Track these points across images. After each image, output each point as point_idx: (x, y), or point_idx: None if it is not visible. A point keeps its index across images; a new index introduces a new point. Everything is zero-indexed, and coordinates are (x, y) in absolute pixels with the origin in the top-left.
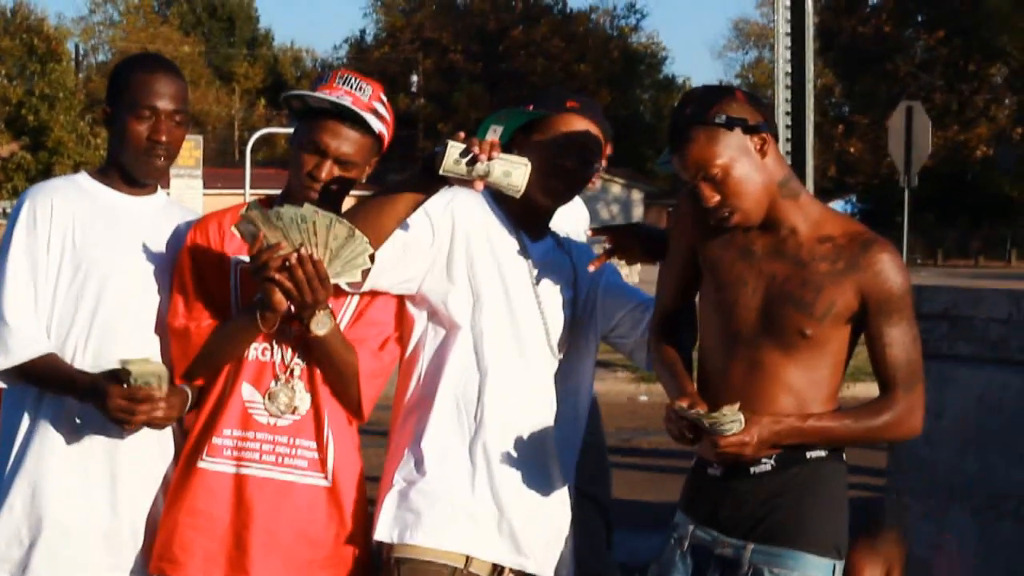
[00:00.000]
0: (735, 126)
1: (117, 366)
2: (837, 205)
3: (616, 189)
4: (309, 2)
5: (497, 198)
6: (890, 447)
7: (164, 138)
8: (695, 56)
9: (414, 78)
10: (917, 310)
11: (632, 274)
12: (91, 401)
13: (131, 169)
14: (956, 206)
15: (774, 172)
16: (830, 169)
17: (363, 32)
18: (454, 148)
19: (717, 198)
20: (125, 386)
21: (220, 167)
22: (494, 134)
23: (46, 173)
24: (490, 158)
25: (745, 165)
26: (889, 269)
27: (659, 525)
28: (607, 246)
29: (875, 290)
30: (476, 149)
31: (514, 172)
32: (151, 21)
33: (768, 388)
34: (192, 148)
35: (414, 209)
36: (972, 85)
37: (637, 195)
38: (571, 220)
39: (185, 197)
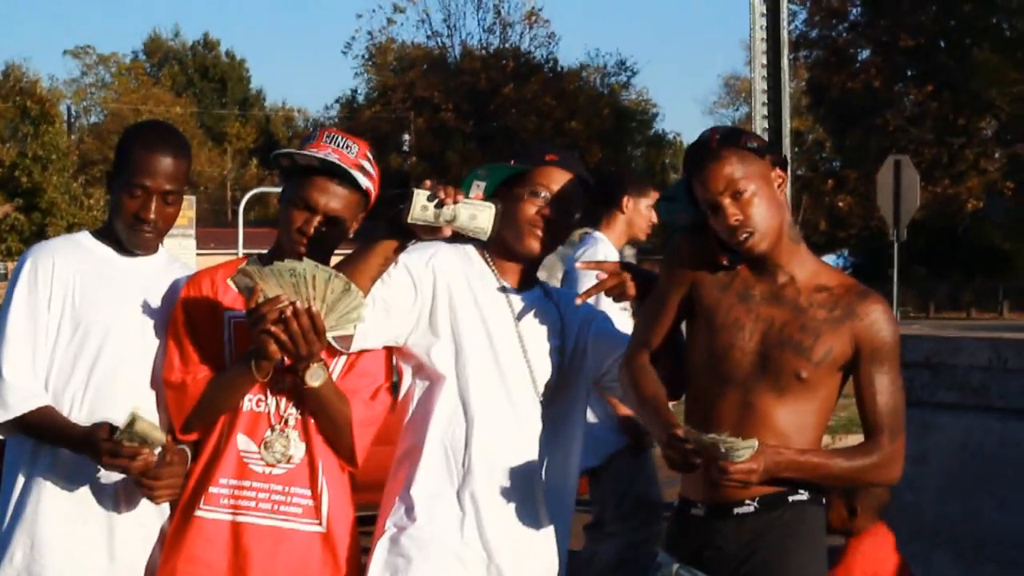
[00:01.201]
0: (764, 154)
1: (126, 412)
2: (829, 259)
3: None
4: (300, 63)
5: (481, 251)
6: None
7: (152, 216)
8: (686, 112)
9: (406, 137)
10: (900, 358)
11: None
12: (84, 452)
13: (122, 238)
14: (947, 259)
15: (786, 212)
16: (820, 224)
17: (355, 91)
18: (420, 195)
19: (740, 217)
20: (115, 435)
21: (213, 227)
22: (477, 189)
23: (39, 234)
24: (455, 202)
25: (767, 194)
26: (883, 320)
27: None
28: (601, 276)
29: (869, 339)
30: (442, 194)
31: (480, 215)
32: (143, 83)
33: (758, 428)
34: (185, 208)
35: (386, 265)
36: (962, 139)
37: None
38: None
39: (178, 257)
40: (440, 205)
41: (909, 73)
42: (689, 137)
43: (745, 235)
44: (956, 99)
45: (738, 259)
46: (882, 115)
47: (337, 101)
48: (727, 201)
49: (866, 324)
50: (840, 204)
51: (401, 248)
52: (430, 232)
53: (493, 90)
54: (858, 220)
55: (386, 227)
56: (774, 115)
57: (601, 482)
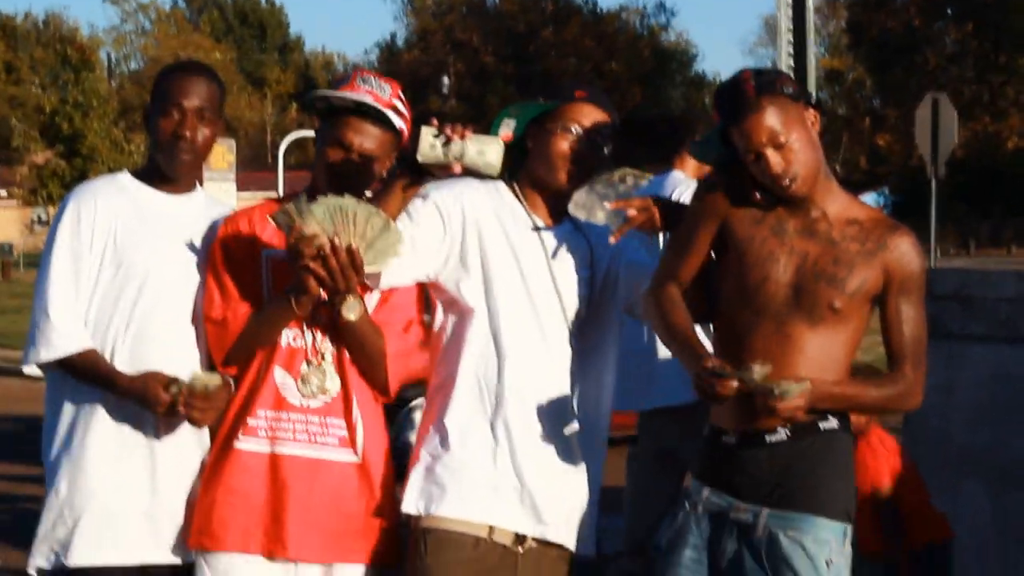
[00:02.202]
0: (800, 98)
1: (166, 351)
2: (870, 197)
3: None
4: (339, 7)
5: (511, 186)
6: (905, 424)
7: (187, 133)
8: (725, 53)
9: (445, 80)
10: (929, 292)
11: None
12: (131, 400)
13: (162, 166)
14: (988, 196)
15: (820, 151)
16: (861, 162)
17: (394, 36)
18: (426, 134)
19: (783, 166)
20: (174, 390)
21: (253, 171)
22: (507, 128)
23: (81, 180)
24: (463, 138)
25: (805, 137)
26: (912, 252)
27: None
28: (631, 213)
29: (899, 270)
30: (448, 131)
31: (488, 150)
32: (182, 29)
33: (793, 357)
34: (225, 152)
35: (404, 204)
36: (1002, 76)
37: None
38: None
39: (220, 200)
40: (447, 142)
41: (949, 11)
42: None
43: (788, 181)
44: (996, 37)
45: (772, 197)
46: (922, 53)
47: (376, 45)
48: (769, 151)
49: (896, 256)
50: (880, 143)
51: (416, 187)
52: (442, 170)
53: (532, 33)
54: (898, 158)
55: (402, 168)
56: (798, 54)
57: (696, 417)
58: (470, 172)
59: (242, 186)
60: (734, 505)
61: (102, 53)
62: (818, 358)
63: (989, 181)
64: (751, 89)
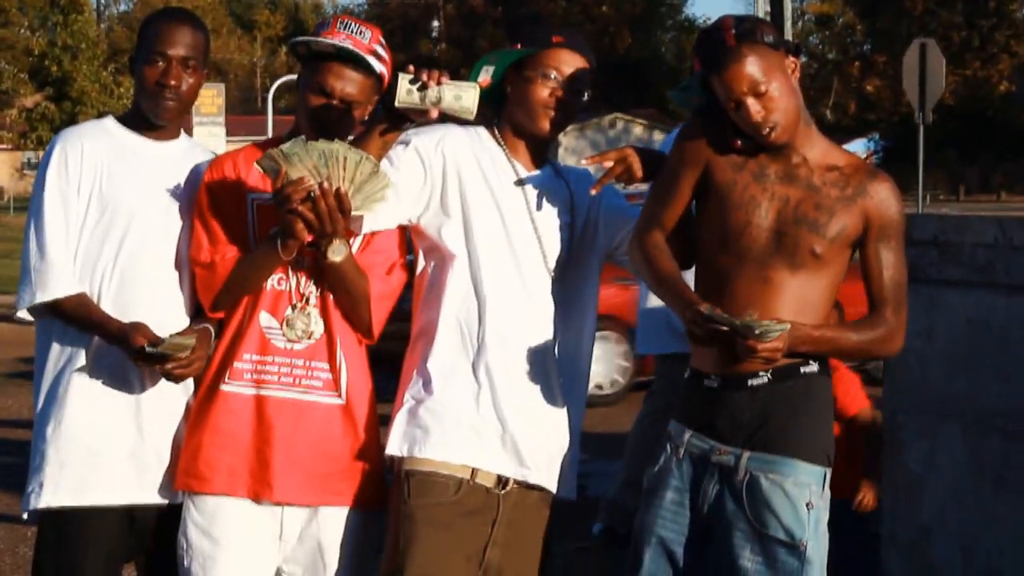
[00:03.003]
0: (780, 46)
1: (151, 295)
2: (860, 143)
3: (638, 130)
4: None
5: (492, 132)
6: (886, 370)
7: (172, 82)
8: None
9: (435, 23)
10: (908, 238)
11: None
12: (118, 346)
13: (147, 113)
14: (978, 142)
15: (800, 97)
16: (850, 107)
17: None
18: (403, 80)
19: (763, 113)
20: (148, 348)
21: (243, 115)
22: (486, 74)
23: (70, 123)
24: (439, 83)
25: (786, 84)
26: (891, 197)
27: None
28: (607, 166)
29: (878, 216)
30: (424, 77)
31: (464, 95)
32: None
33: (774, 301)
34: (214, 96)
35: (385, 150)
36: (992, 20)
37: (659, 136)
38: None
39: (208, 145)
40: (423, 88)
41: None
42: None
43: (768, 129)
44: None
45: (752, 143)
46: None
47: None
48: (750, 100)
49: (876, 202)
50: (869, 88)
51: (394, 132)
52: (419, 115)
53: None
54: (888, 104)
55: (380, 114)
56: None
57: None
58: (447, 117)
59: (232, 131)
60: (716, 448)
61: None
62: (798, 302)
63: (979, 127)
64: (731, 37)
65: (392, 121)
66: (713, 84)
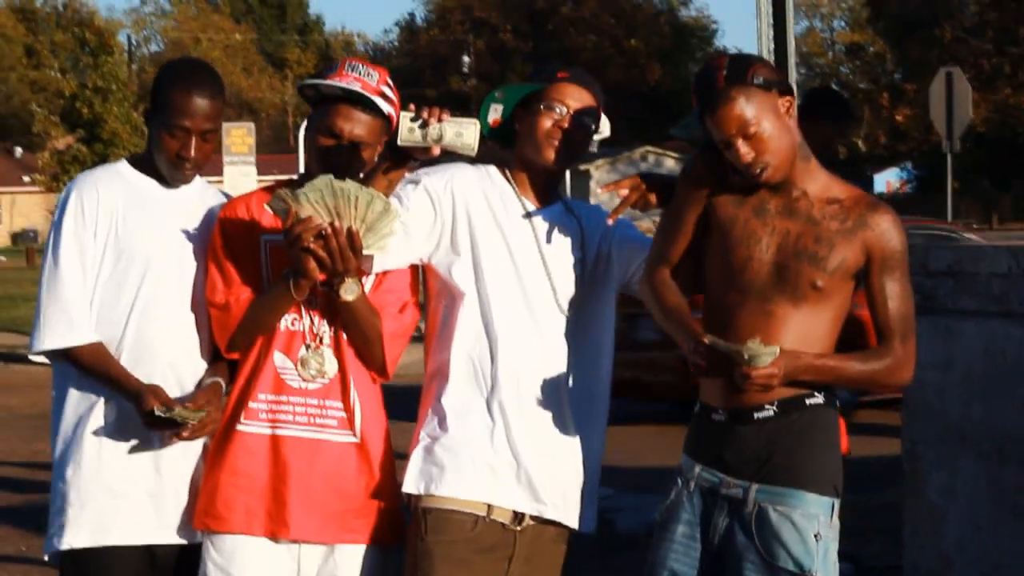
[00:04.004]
0: (772, 87)
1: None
2: (892, 173)
3: (670, 163)
4: None
5: (503, 171)
6: (904, 402)
7: (191, 155)
8: (746, 27)
9: (465, 59)
10: (924, 267)
11: None
12: (133, 404)
13: (163, 174)
14: (1010, 169)
15: (795, 135)
16: (880, 137)
17: (412, 15)
18: (404, 118)
19: (753, 155)
20: (158, 412)
21: (274, 153)
22: (495, 113)
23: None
24: (440, 121)
25: (777, 125)
26: (892, 229)
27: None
28: (622, 194)
29: (880, 248)
30: (425, 114)
31: (465, 132)
32: (202, 10)
33: (777, 334)
34: (245, 135)
35: (391, 189)
36: (1022, 48)
37: None
38: None
39: (240, 184)
40: (424, 125)
41: None
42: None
43: (759, 169)
44: (1017, 8)
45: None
46: (940, 26)
47: (396, 24)
48: (739, 141)
49: (877, 234)
50: (899, 117)
51: (398, 170)
52: (422, 153)
53: (551, 10)
54: (918, 133)
55: (385, 153)
56: (778, 34)
57: None
58: (449, 153)
59: (263, 169)
60: (724, 481)
61: (122, 36)
62: (802, 335)
63: (1011, 154)
64: (721, 79)
65: (396, 159)
66: (706, 124)
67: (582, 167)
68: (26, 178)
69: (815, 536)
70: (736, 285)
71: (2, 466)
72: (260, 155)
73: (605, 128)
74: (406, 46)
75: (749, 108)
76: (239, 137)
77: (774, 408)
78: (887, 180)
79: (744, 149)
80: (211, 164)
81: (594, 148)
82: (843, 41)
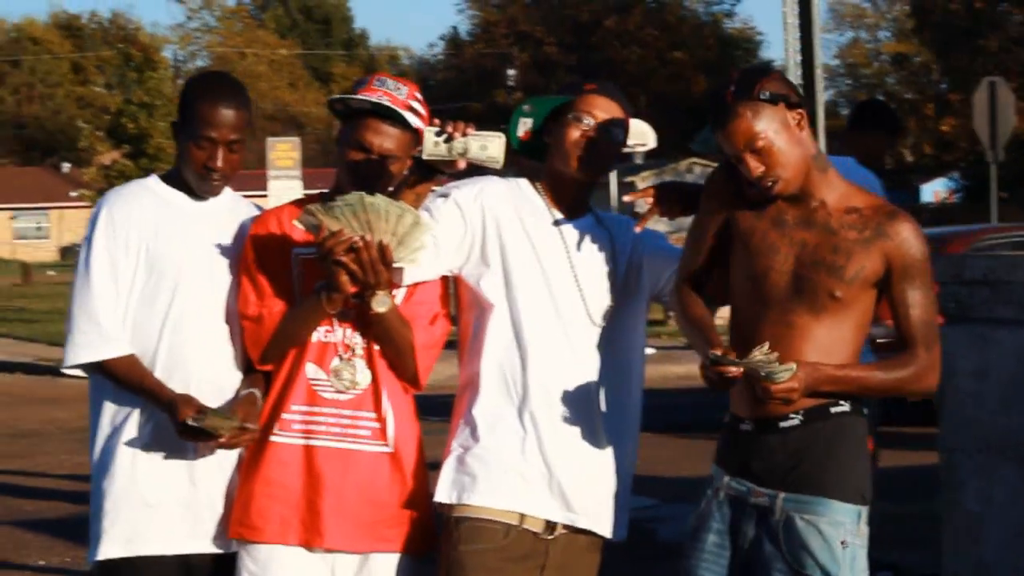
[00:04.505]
0: (779, 101)
1: (201, 353)
2: (939, 183)
3: None
4: (403, 1)
5: (534, 183)
6: (941, 411)
7: (219, 165)
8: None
9: (510, 72)
10: (959, 277)
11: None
12: (165, 412)
13: (192, 186)
14: None
15: (809, 146)
16: (926, 148)
17: (456, 29)
18: (429, 133)
19: (762, 169)
20: (191, 421)
21: (320, 167)
22: (524, 126)
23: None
24: (464, 135)
25: (786, 138)
26: (912, 238)
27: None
28: (649, 202)
29: (899, 257)
30: (450, 128)
31: (490, 145)
32: (247, 26)
33: (799, 345)
34: (290, 150)
35: (418, 203)
36: None
37: None
38: None
39: (285, 199)
40: (449, 139)
41: None
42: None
43: (770, 183)
44: None
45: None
46: (985, 36)
47: (441, 38)
48: (748, 156)
49: (896, 243)
50: (944, 128)
51: (424, 184)
52: (449, 166)
53: (595, 22)
54: (964, 143)
55: (412, 167)
56: (804, 47)
57: None
58: (474, 167)
59: (310, 183)
60: (752, 490)
61: (168, 51)
62: (824, 345)
63: None
64: (729, 95)
65: (422, 173)
66: (718, 141)
67: (628, 179)
68: (73, 193)
69: (842, 543)
70: (757, 296)
71: (49, 478)
72: (306, 169)
73: (651, 140)
74: (451, 59)
75: (756, 123)
76: (284, 152)
77: (799, 417)
78: (934, 190)
79: (753, 163)
80: (256, 179)
81: (640, 160)
82: (888, 52)
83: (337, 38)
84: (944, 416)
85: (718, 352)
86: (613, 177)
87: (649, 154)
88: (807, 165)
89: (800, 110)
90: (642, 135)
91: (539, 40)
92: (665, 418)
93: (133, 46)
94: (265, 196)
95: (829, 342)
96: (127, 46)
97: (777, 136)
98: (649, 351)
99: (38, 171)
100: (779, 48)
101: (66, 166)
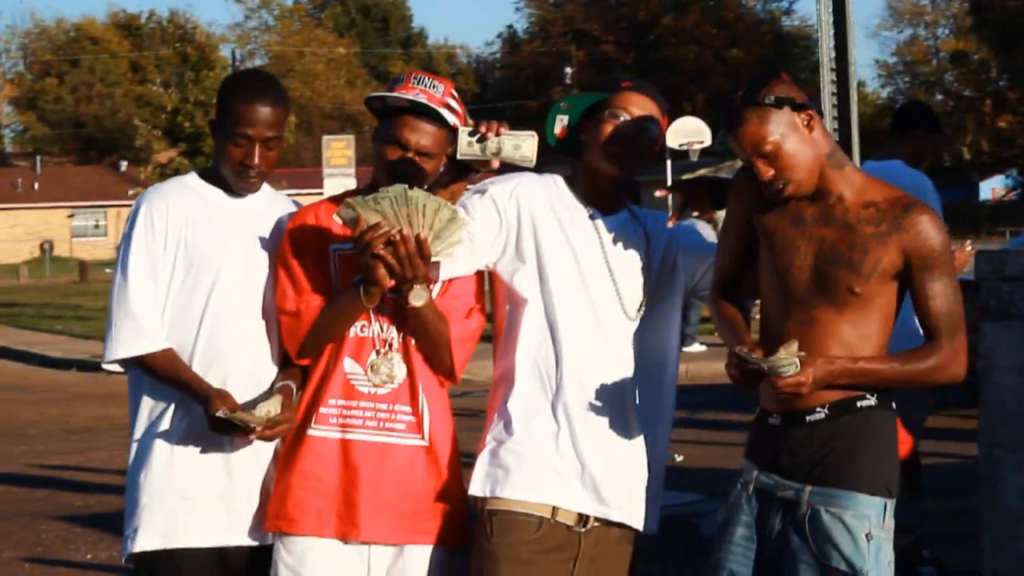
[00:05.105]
0: (784, 105)
1: (239, 348)
2: (997, 180)
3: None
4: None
5: (569, 180)
6: (982, 406)
7: (255, 163)
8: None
9: (568, 70)
10: (1000, 273)
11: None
12: (201, 406)
13: (230, 183)
14: None
15: (822, 145)
16: (983, 145)
17: (514, 27)
18: (463, 133)
19: (772, 172)
20: (221, 414)
21: None
22: (560, 123)
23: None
24: (497, 134)
25: (795, 140)
26: (929, 229)
27: None
28: (679, 198)
29: (916, 248)
30: (483, 128)
31: (523, 144)
32: (306, 24)
33: (822, 342)
34: (344, 148)
35: (453, 200)
36: None
37: None
38: None
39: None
40: (483, 139)
41: None
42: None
43: (780, 185)
44: None
45: None
46: None
47: (499, 37)
48: (757, 160)
49: (912, 235)
50: (1001, 124)
51: (458, 182)
52: (482, 165)
53: (653, 20)
54: (1022, 140)
55: (447, 166)
56: (839, 53)
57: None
58: (507, 166)
59: (365, 181)
60: (780, 484)
61: (226, 50)
62: (849, 340)
63: None
64: (737, 100)
65: (456, 172)
66: (731, 144)
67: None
68: (131, 192)
69: (866, 536)
70: (782, 293)
71: (100, 473)
72: (361, 167)
73: (707, 137)
74: (508, 58)
75: (762, 127)
76: (339, 150)
77: (825, 411)
78: (992, 187)
79: (763, 167)
80: (312, 177)
81: (695, 158)
82: (947, 49)
83: (395, 37)
84: (984, 411)
85: (743, 350)
86: (669, 175)
87: (705, 152)
88: (820, 164)
89: (809, 111)
90: (698, 133)
91: (596, 38)
92: (711, 413)
93: (190, 45)
94: (321, 193)
95: (854, 337)
96: (184, 45)
97: (785, 139)
98: (700, 348)
99: (96, 170)
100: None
101: (124, 165)
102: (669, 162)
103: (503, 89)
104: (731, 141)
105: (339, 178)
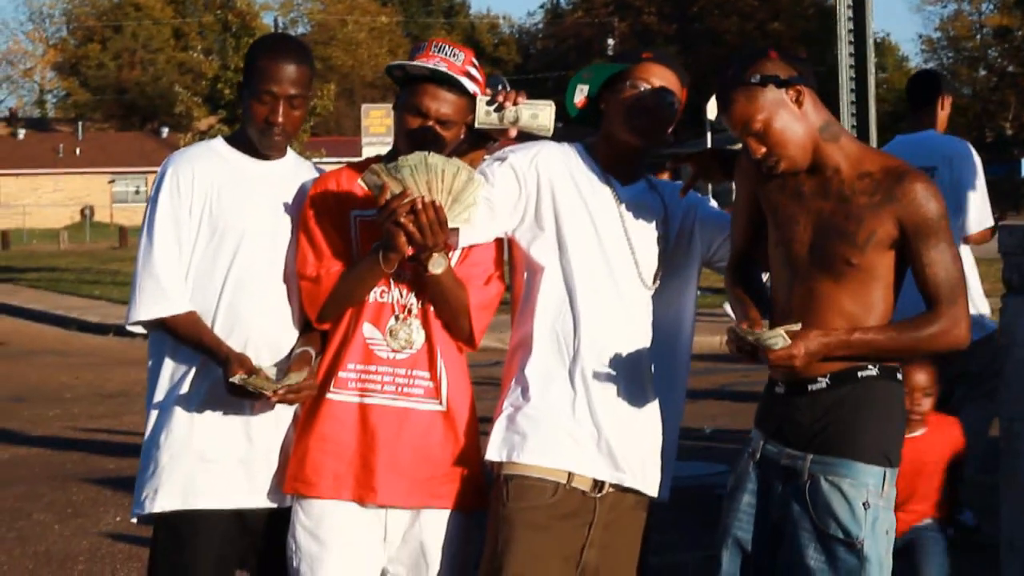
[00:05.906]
0: (768, 83)
1: (260, 312)
2: None
3: None
4: None
5: (589, 149)
6: (1003, 379)
7: (280, 120)
8: (892, 10)
9: (610, 41)
10: (1023, 247)
11: None
12: (222, 368)
13: (255, 143)
14: None
15: (813, 119)
16: None
17: None
18: (481, 102)
19: (763, 149)
20: (237, 380)
21: None
22: (581, 94)
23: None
24: (515, 104)
25: (784, 117)
26: (922, 197)
27: None
28: (691, 169)
29: (911, 217)
30: (501, 98)
31: (541, 114)
32: None
33: (824, 314)
34: (383, 116)
35: (474, 167)
36: None
37: None
38: None
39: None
40: (500, 108)
41: None
42: (896, 37)
43: (773, 162)
44: None
45: None
46: None
47: (541, 7)
48: (747, 138)
49: (906, 204)
50: None
51: (476, 151)
52: (500, 134)
53: None
54: None
55: (465, 135)
56: (858, 30)
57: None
58: (525, 134)
59: None
60: (783, 452)
61: (269, 18)
62: (850, 312)
63: None
64: (725, 81)
65: (474, 141)
66: (724, 123)
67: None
68: None
69: (864, 504)
70: (785, 266)
71: (135, 436)
72: None
73: None
74: (550, 28)
75: (749, 107)
76: (377, 118)
77: (826, 380)
78: None
79: (754, 145)
80: (352, 145)
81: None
82: (991, 24)
83: (438, 6)
84: (1005, 385)
85: (742, 326)
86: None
87: None
88: (813, 139)
89: (796, 87)
90: None
91: (639, 9)
92: (734, 385)
93: (232, 13)
94: (361, 160)
95: (856, 308)
96: (226, 13)
97: (774, 117)
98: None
99: (137, 136)
100: (880, 19)
101: (165, 131)
102: (709, 135)
103: (545, 59)
104: (724, 121)
105: (377, 146)
